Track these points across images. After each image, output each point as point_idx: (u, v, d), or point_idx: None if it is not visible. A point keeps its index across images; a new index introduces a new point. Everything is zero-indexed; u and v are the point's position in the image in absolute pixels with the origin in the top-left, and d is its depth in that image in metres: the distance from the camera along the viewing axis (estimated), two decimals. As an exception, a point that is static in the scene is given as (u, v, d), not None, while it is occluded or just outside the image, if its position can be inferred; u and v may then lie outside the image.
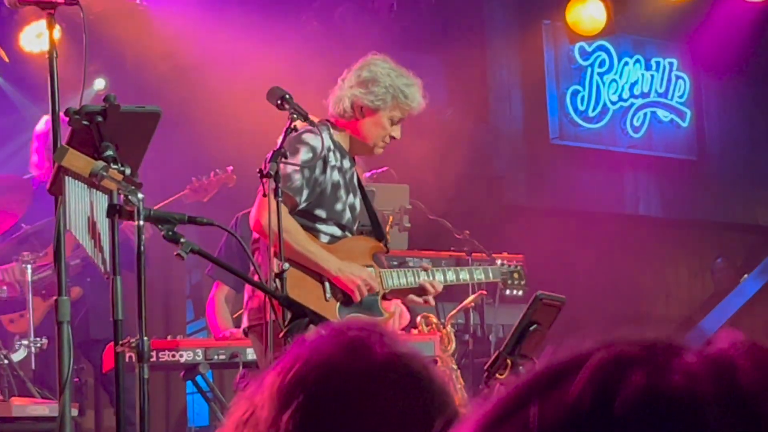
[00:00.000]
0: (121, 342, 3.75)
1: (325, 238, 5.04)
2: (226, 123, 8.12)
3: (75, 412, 4.94)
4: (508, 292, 6.17)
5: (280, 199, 4.54)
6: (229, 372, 6.98)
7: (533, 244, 9.00)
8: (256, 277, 4.43)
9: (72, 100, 4.04)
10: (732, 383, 0.85)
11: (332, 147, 5.03)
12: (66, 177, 3.88)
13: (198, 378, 5.75)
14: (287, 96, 4.64)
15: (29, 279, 6.18)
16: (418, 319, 5.84)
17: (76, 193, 3.91)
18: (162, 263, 7.90)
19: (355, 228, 5.18)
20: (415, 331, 5.85)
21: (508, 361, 4.92)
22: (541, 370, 0.89)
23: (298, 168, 4.89)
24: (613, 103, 11.32)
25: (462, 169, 9.62)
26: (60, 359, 3.91)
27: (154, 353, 5.51)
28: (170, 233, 3.71)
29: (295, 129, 4.71)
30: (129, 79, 8.16)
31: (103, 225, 3.89)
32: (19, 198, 6.44)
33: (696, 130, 11.87)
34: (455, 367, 5.86)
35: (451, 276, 5.43)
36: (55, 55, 4.13)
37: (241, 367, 5.69)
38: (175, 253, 3.70)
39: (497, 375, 4.90)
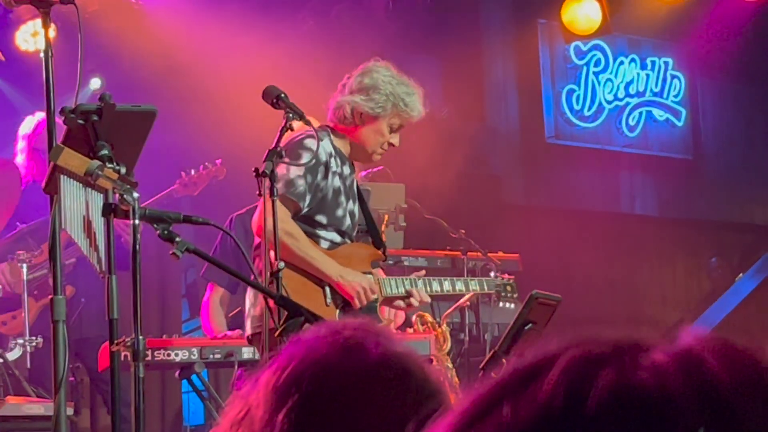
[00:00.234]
0: (116, 341, 3.75)
1: (325, 244, 5.04)
2: (222, 121, 8.12)
3: (70, 411, 4.94)
4: (501, 304, 6.25)
5: (275, 198, 4.54)
6: (225, 371, 6.97)
7: (529, 243, 9.00)
8: (251, 278, 4.42)
9: (69, 99, 4.04)
10: (701, 378, 0.86)
11: (333, 153, 5.03)
12: (61, 176, 3.87)
13: (193, 377, 5.74)
14: (283, 95, 4.64)
15: (25, 278, 6.17)
16: (414, 318, 5.85)
17: (71, 192, 3.90)
18: (157, 262, 7.90)
19: (354, 234, 5.19)
20: (410, 330, 5.86)
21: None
22: (511, 370, 0.89)
23: (301, 173, 4.90)
24: (609, 103, 11.33)
25: (458, 169, 9.62)
26: (55, 358, 3.90)
27: (149, 352, 5.50)
28: (166, 232, 3.70)
29: (291, 128, 4.71)
30: (124, 78, 8.15)
31: (98, 224, 3.89)
32: (8, 180, 6.43)
33: (691, 130, 11.88)
34: (451, 366, 5.87)
35: (447, 286, 5.45)
36: (50, 53, 4.12)
37: (236, 367, 5.69)
38: (170, 253, 3.70)
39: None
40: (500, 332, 7.27)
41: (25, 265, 6.19)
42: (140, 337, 3.70)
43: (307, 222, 4.99)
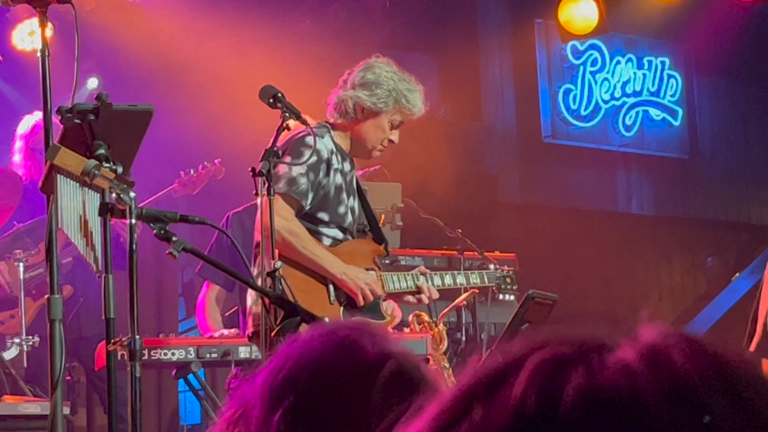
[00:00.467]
0: (113, 340, 3.75)
1: (327, 241, 5.05)
2: (221, 120, 8.12)
3: (67, 410, 4.94)
4: (501, 296, 6.26)
5: (272, 197, 4.54)
6: (222, 370, 6.96)
7: (525, 243, 9.01)
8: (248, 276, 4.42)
9: (66, 99, 4.04)
10: (669, 374, 0.86)
11: (334, 149, 5.04)
12: (58, 175, 3.87)
13: (190, 376, 5.74)
14: (279, 94, 4.64)
15: (21, 277, 6.17)
16: (410, 317, 5.85)
17: (68, 192, 3.90)
18: (154, 262, 7.90)
19: (355, 231, 5.19)
20: (407, 330, 5.86)
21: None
22: (479, 375, 0.89)
23: (303, 172, 4.90)
24: (605, 102, 11.34)
25: (454, 168, 9.62)
26: (52, 357, 3.90)
27: (146, 351, 5.50)
28: (162, 232, 3.70)
29: (287, 128, 4.71)
30: (121, 77, 8.14)
31: (95, 223, 3.89)
32: (9, 190, 6.44)
33: (688, 129, 11.89)
34: (447, 365, 5.87)
35: (448, 280, 5.46)
36: (47, 53, 4.12)
37: (233, 366, 5.69)
38: (167, 252, 3.70)
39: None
40: (497, 332, 7.27)
41: (21, 264, 6.19)
42: (137, 337, 3.70)
43: (310, 219, 5.00)
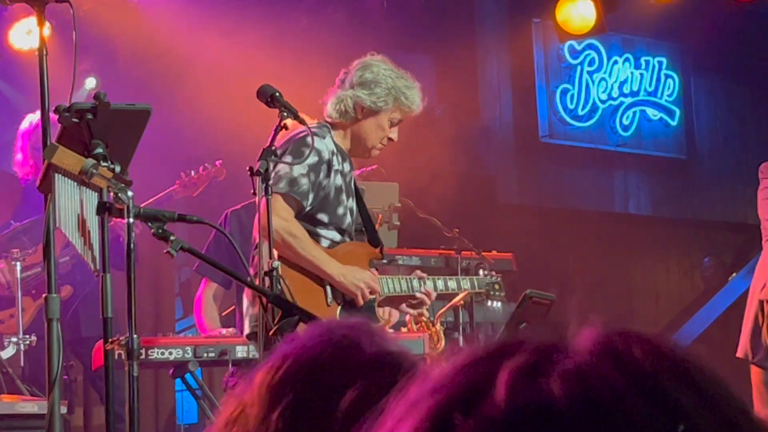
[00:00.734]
0: (110, 339, 3.75)
1: (325, 243, 5.05)
2: (217, 120, 8.11)
3: (64, 410, 4.94)
4: (489, 303, 6.30)
5: (269, 197, 4.54)
6: (219, 369, 6.97)
7: (523, 243, 9.01)
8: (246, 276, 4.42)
9: (65, 98, 4.03)
10: (640, 374, 0.87)
11: (335, 150, 5.04)
12: (56, 174, 3.87)
13: (187, 375, 5.74)
14: (277, 94, 4.63)
15: (18, 276, 6.17)
16: (407, 317, 5.85)
17: (65, 191, 3.90)
18: (151, 261, 7.89)
19: (353, 232, 5.19)
20: (404, 330, 5.86)
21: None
22: (445, 390, 0.89)
23: (305, 172, 4.90)
24: (603, 102, 11.34)
25: (452, 167, 9.63)
26: (49, 357, 3.90)
27: (143, 351, 5.50)
28: (160, 231, 3.70)
29: (285, 127, 4.70)
30: (119, 76, 8.14)
31: (92, 222, 3.89)
32: (6, 197, 6.44)
33: (685, 129, 11.90)
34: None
35: (440, 285, 5.48)
36: (45, 52, 4.12)
37: (230, 365, 5.69)
38: (164, 251, 3.70)
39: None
40: (494, 331, 7.28)
41: (18, 264, 6.19)
42: (135, 336, 3.70)
43: (309, 221, 5.00)
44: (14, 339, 6.09)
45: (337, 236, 5.09)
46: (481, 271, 6.45)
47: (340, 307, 5.05)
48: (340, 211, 5.07)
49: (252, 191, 4.49)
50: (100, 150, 3.81)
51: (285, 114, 4.60)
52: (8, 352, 6.09)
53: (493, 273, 6.32)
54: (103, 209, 3.76)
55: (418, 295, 5.26)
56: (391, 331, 5.55)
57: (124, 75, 8.19)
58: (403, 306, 5.34)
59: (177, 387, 8.18)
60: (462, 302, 6.45)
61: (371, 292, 5.07)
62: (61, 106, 3.90)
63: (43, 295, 4.00)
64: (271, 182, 4.50)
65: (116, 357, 4.00)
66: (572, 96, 11.15)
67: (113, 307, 3.78)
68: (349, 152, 5.15)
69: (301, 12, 8.93)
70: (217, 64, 8.37)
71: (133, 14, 8.11)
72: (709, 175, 11.96)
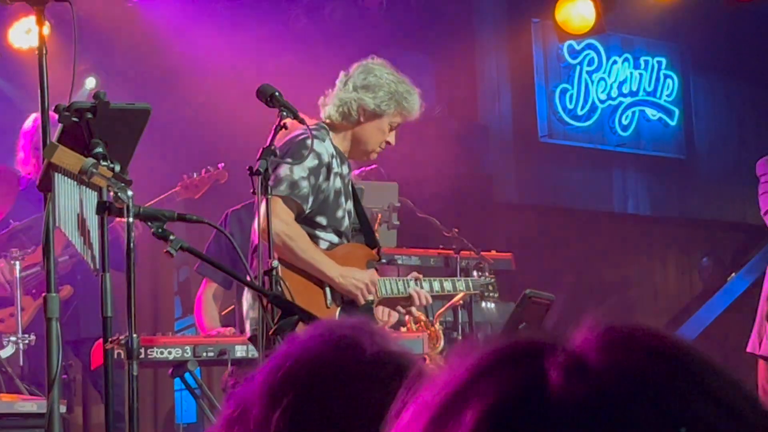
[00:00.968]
0: (110, 339, 3.75)
1: (324, 245, 5.06)
2: (217, 120, 8.11)
3: (63, 409, 4.94)
4: (483, 304, 6.32)
5: (269, 197, 4.54)
6: (218, 369, 6.97)
7: (522, 242, 9.02)
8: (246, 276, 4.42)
9: (65, 98, 4.03)
10: (641, 375, 0.88)
11: (335, 153, 5.05)
12: (55, 174, 3.87)
13: (186, 375, 5.74)
14: (277, 93, 4.63)
15: (18, 275, 6.17)
16: (407, 317, 5.85)
17: (65, 190, 3.90)
18: (150, 260, 7.89)
19: (350, 233, 5.20)
20: (403, 329, 5.86)
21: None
22: (496, 387, 0.89)
23: (305, 175, 4.91)
24: (602, 102, 11.34)
25: (451, 167, 9.63)
26: (49, 356, 3.90)
27: (142, 350, 5.50)
28: (160, 230, 3.70)
29: (285, 127, 4.70)
30: (119, 77, 8.14)
31: (92, 222, 3.89)
32: (4, 188, 6.44)
33: (684, 129, 11.90)
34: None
35: (437, 286, 5.49)
36: (44, 51, 4.12)
37: (229, 365, 5.69)
38: (164, 251, 3.70)
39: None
40: (493, 331, 7.28)
41: (17, 263, 6.19)
42: (134, 335, 3.70)
43: (308, 223, 5.00)
44: (13, 338, 6.08)
45: (335, 238, 5.10)
46: (475, 273, 6.48)
47: (339, 309, 5.06)
48: (339, 213, 5.08)
49: (252, 191, 4.50)
50: (99, 149, 3.81)
51: (285, 114, 4.60)
52: (7, 351, 6.08)
53: (487, 274, 6.34)
54: (103, 208, 3.76)
55: (411, 291, 5.27)
56: (391, 330, 5.56)
57: (123, 75, 8.18)
58: (399, 307, 5.37)
59: (176, 386, 8.18)
60: (461, 302, 6.46)
61: (370, 290, 5.08)
62: (60, 105, 3.90)
63: (43, 295, 4.00)
64: (271, 184, 4.50)
65: (116, 356, 4.00)
66: (571, 96, 11.15)
67: (113, 306, 3.78)
68: (347, 154, 5.16)
69: (299, 11, 8.92)
70: (216, 63, 8.37)
71: (132, 15, 8.11)
72: (708, 175, 11.97)
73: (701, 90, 12.08)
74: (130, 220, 3.70)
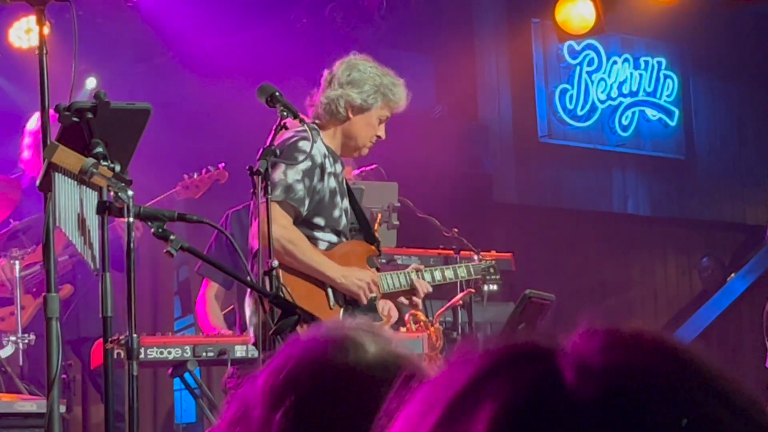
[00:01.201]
0: (110, 339, 3.75)
1: (323, 246, 5.06)
2: (217, 120, 8.11)
3: (63, 409, 4.94)
4: (486, 287, 6.31)
5: (269, 197, 4.54)
6: (217, 369, 6.97)
7: (522, 243, 9.02)
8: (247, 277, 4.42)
9: (65, 97, 4.03)
10: (654, 374, 0.89)
11: (327, 153, 5.05)
12: (56, 173, 3.87)
13: (186, 375, 5.74)
14: (277, 93, 4.63)
15: (17, 275, 6.17)
16: (407, 317, 5.85)
17: (65, 190, 3.90)
18: (150, 260, 7.90)
19: (348, 232, 5.20)
20: (403, 329, 5.86)
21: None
22: (512, 384, 0.90)
23: (299, 178, 4.91)
24: (602, 102, 11.34)
25: (451, 167, 9.63)
26: (48, 356, 3.90)
27: (142, 350, 5.50)
28: (160, 230, 3.70)
29: (285, 126, 4.70)
30: (119, 77, 8.14)
31: (92, 222, 3.89)
32: (5, 199, 6.44)
33: (684, 129, 11.90)
34: (443, 365, 5.86)
35: (438, 275, 5.50)
36: (44, 51, 4.12)
37: (229, 365, 5.69)
38: (164, 251, 3.70)
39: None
40: (493, 331, 7.28)
41: (17, 262, 6.19)
42: (134, 335, 3.70)
43: (306, 225, 5.00)
44: (13, 338, 6.08)
45: (333, 238, 5.10)
46: (476, 257, 6.49)
47: (342, 309, 5.06)
48: (336, 213, 5.08)
49: (252, 191, 4.50)
50: (100, 149, 3.81)
51: (285, 113, 4.60)
52: (7, 351, 6.08)
53: (487, 258, 6.36)
54: (103, 208, 3.76)
55: (413, 280, 5.28)
56: (391, 330, 5.56)
57: (123, 75, 8.18)
58: (401, 298, 5.36)
59: (176, 386, 8.18)
60: (461, 302, 6.46)
61: (372, 289, 5.08)
62: (61, 105, 3.90)
63: (43, 294, 4.00)
64: None
65: (115, 356, 4.00)
66: (571, 96, 11.15)
67: (113, 306, 3.78)
68: (339, 152, 5.17)
69: (299, 11, 8.93)
70: (216, 63, 8.37)
71: (131, 15, 8.11)
72: (708, 175, 11.97)
73: (701, 90, 12.08)
74: (130, 220, 3.70)
